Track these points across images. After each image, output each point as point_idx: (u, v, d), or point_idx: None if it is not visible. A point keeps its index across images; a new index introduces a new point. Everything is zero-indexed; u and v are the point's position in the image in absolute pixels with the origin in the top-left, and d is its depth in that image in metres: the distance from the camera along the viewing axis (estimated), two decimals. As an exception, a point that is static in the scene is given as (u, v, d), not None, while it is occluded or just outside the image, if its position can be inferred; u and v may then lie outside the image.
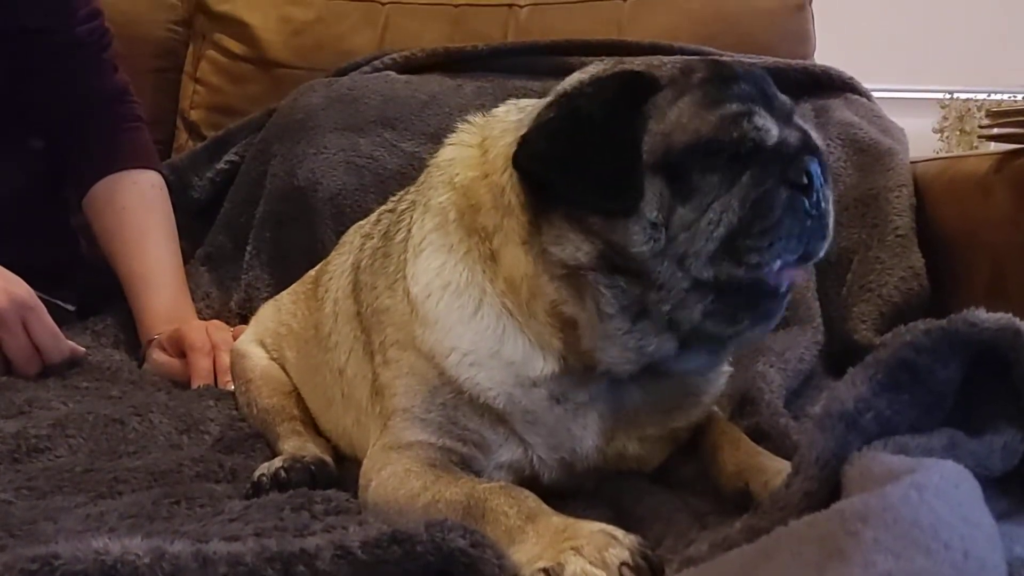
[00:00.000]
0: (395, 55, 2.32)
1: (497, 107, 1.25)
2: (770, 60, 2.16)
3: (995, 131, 1.74)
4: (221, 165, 2.27)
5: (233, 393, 1.61)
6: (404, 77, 2.27)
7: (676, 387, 1.18)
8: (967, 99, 3.74)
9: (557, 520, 0.92)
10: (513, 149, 1.10)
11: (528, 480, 1.14)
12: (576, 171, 1.06)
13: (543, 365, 1.11)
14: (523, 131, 1.12)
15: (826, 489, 0.80)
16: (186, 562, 0.78)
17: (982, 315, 0.86)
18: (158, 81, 2.50)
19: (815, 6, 2.48)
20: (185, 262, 2.06)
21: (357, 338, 1.30)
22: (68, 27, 2.01)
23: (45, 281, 1.80)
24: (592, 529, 0.88)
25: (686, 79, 1.08)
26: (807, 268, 1.23)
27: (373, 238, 1.33)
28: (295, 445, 1.35)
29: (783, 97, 1.12)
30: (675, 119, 1.06)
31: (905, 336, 0.86)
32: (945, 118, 3.73)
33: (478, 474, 1.12)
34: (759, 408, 1.39)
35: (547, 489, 1.11)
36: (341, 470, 1.29)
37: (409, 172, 1.97)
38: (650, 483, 1.18)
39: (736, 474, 1.12)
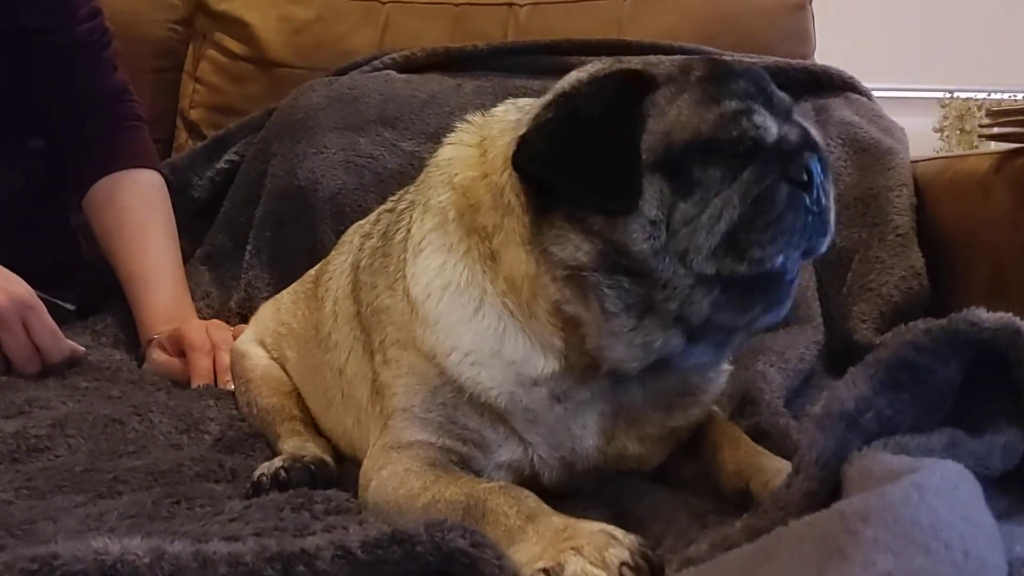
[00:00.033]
0: (395, 54, 2.32)
1: (496, 106, 1.25)
2: (770, 59, 2.17)
3: (995, 130, 1.74)
4: (221, 164, 2.27)
5: (233, 393, 1.61)
6: (404, 76, 2.27)
7: (676, 386, 1.18)
8: (967, 98, 3.75)
9: (557, 520, 0.92)
10: (512, 149, 1.10)
11: (528, 480, 1.14)
12: (575, 171, 1.06)
13: (544, 364, 1.11)
14: (522, 131, 1.12)
15: (826, 489, 0.80)
16: (186, 562, 0.78)
17: (982, 314, 0.86)
18: (158, 81, 2.50)
19: (815, 6, 2.48)
20: (185, 262, 2.06)
21: (357, 338, 1.29)
22: (68, 27, 2.01)
23: (45, 281, 1.80)
24: (592, 529, 0.88)
25: (684, 77, 1.08)
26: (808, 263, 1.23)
27: (372, 238, 1.33)
28: (295, 445, 1.35)
29: (781, 94, 1.12)
30: (674, 117, 1.05)
31: (905, 335, 0.85)
32: (945, 117, 3.73)
33: (478, 474, 1.12)
34: (759, 408, 1.39)
35: (547, 489, 1.12)
36: (341, 470, 1.29)
37: (409, 171, 1.97)
38: (650, 483, 1.18)
39: (736, 474, 1.12)
